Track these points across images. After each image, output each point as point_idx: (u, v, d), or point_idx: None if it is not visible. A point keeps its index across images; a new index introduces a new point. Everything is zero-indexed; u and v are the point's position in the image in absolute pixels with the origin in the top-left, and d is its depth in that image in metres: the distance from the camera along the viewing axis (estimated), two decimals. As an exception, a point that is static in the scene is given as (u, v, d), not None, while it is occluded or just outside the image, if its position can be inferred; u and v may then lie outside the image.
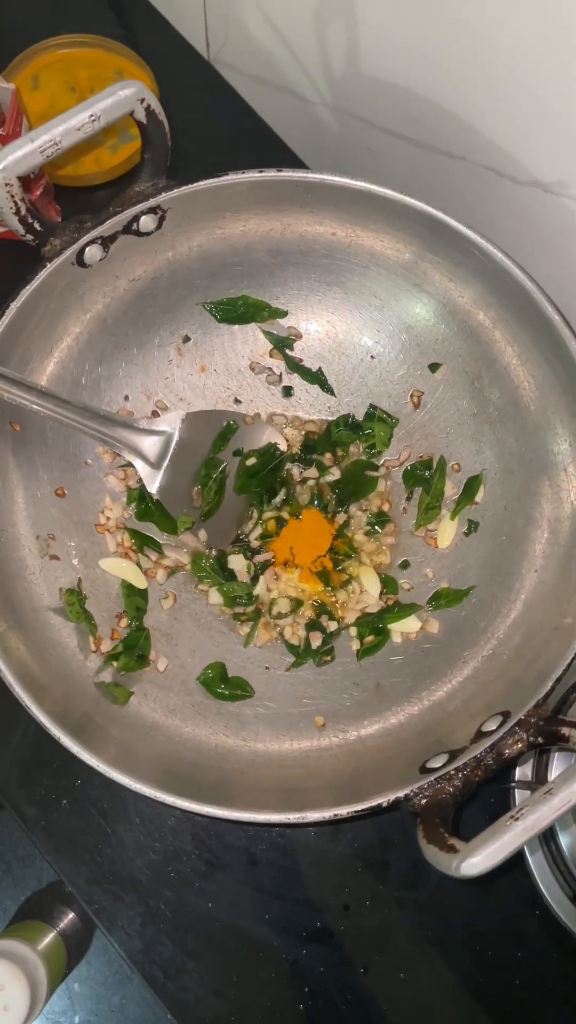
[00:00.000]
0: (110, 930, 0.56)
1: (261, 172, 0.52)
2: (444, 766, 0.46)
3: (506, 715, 0.47)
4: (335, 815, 0.45)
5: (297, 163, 0.74)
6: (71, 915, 0.67)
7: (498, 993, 0.57)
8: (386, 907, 0.58)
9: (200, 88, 0.76)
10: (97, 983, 0.64)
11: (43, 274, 0.50)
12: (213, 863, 0.57)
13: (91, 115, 0.47)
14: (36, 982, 0.57)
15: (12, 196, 0.47)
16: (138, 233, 0.53)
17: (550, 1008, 0.57)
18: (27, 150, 0.46)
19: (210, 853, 0.57)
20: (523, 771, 0.58)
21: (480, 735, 0.47)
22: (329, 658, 0.56)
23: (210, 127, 0.74)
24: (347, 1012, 0.56)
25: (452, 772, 0.45)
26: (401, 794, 0.45)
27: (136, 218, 0.52)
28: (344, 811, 0.45)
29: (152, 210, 0.52)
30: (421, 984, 0.57)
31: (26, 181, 0.51)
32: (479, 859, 0.39)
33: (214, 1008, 0.56)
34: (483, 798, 0.59)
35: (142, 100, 0.48)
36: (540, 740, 0.46)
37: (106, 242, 0.52)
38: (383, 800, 0.45)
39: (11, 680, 0.46)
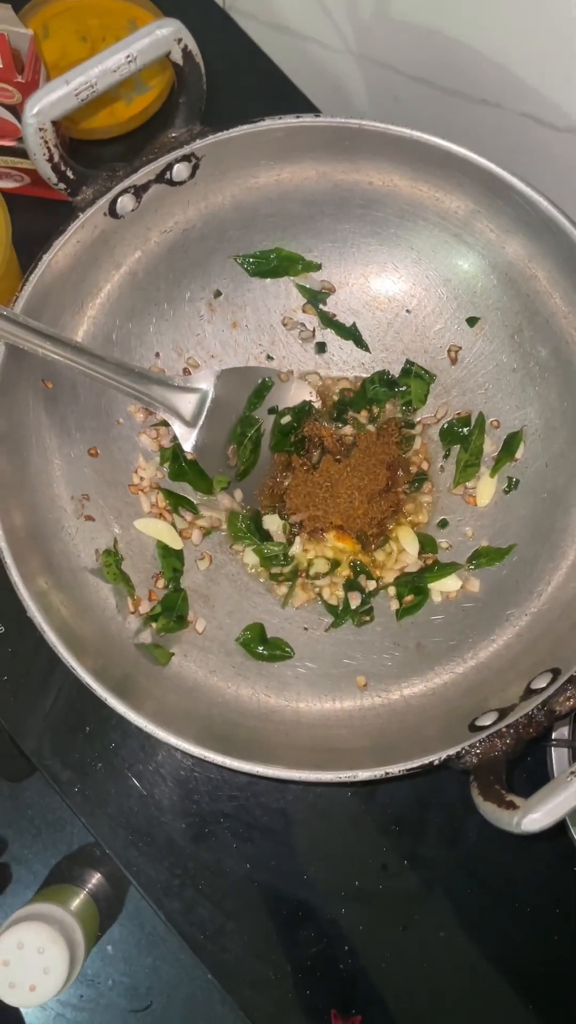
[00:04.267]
0: (148, 892, 0.56)
1: (298, 117, 0.50)
2: (494, 724, 0.45)
3: (556, 672, 0.46)
4: (387, 773, 0.44)
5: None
6: (98, 877, 0.67)
7: (537, 949, 0.57)
8: (424, 867, 0.57)
9: (216, 38, 0.74)
10: (130, 945, 0.64)
11: (75, 225, 0.49)
12: (251, 824, 0.57)
13: (128, 56, 0.45)
14: (74, 944, 0.57)
15: (46, 142, 0.46)
16: (171, 182, 0.51)
17: (588, 963, 0.57)
18: (62, 93, 0.45)
19: (248, 815, 0.57)
20: (560, 732, 0.58)
21: (530, 692, 0.47)
22: (368, 618, 0.55)
23: (226, 79, 0.71)
24: (387, 970, 0.56)
25: (504, 730, 0.45)
26: (452, 751, 0.44)
27: (170, 166, 0.50)
28: (396, 769, 0.44)
29: (186, 157, 0.50)
30: (461, 942, 0.57)
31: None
32: (541, 815, 0.39)
33: (254, 967, 0.56)
34: (520, 756, 0.59)
35: (179, 40, 0.47)
36: (593, 696, 0.45)
37: (139, 191, 0.50)
38: (435, 758, 0.44)
39: (53, 639, 0.45)
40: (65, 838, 0.67)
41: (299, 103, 0.71)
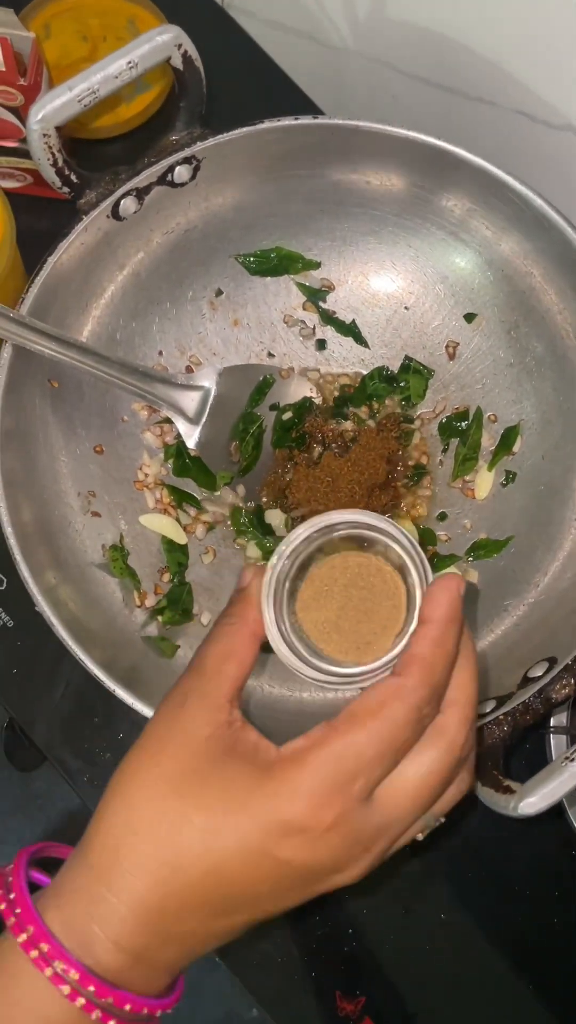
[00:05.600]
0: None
1: (296, 119, 0.51)
2: (492, 711, 0.47)
3: (552, 661, 0.48)
4: (387, 760, 0.46)
5: (318, 113, 0.73)
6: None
7: (537, 932, 0.58)
8: (425, 851, 0.59)
9: (214, 37, 0.74)
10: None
11: (79, 227, 0.50)
12: (257, 812, 0.58)
13: (128, 62, 0.46)
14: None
15: (50, 147, 0.47)
16: (172, 184, 0.52)
17: (587, 944, 0.59)
18: (65, 99, 0.46)
19: (253, 802, 0.58)
20: (558, 718, 0.59)
21: (527, 681, 0.48)
22: (369, 609, 0.56)
23: (225, 77, 0.72)
24: (389, 952, 0.58)
25: (501, 717, 0.46)
26: (452, 739, 0.46)
27: (171, 168, 0.51)
28: (396, 756, 0.45)
29: (187, 160, 0.51)
30: (461, 924, 0.58)
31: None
32: (536, 798, 0.41)
33: (260, 950, 0.57)
34: (518, 743, 0.60)
35: (179, 46, 0.48)
36: (588, 684, 0.47)
37: (141, 194, 0.51)
38: (435, 745, 0.45)
39: (63, 633, 0.47)
40: (76, 826, 0.69)
41: (298, 101, 0.72)
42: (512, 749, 0.48)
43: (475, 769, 0.45)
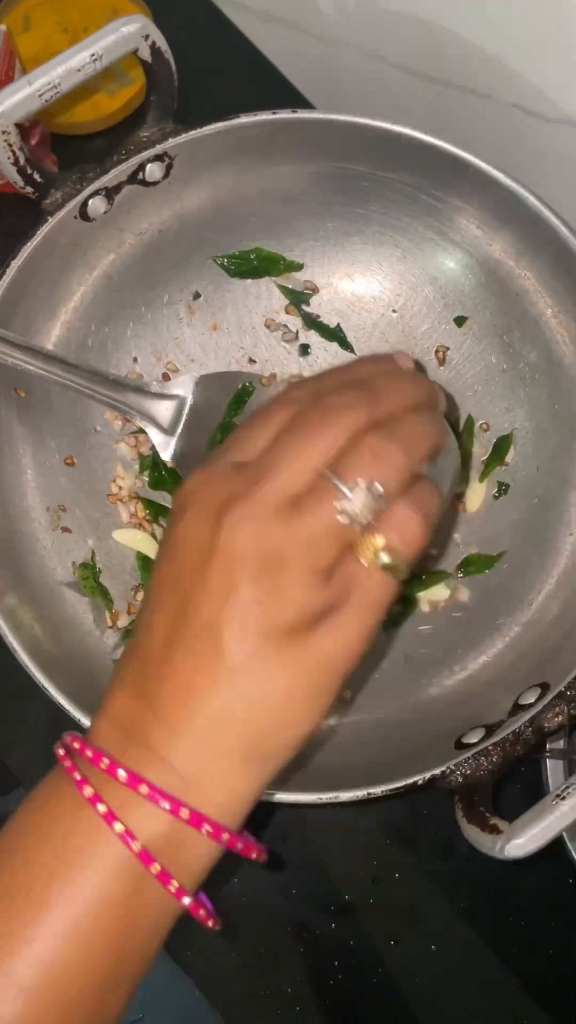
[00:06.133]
0: (134, 908, 0.55)
1: (275, 113, 0.49)
2: (481, 741, 0.44)
3: (545, 687, 0.45)
4: (368, 794, 0.43)
5: (308, 107, 0.70)
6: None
7: (532, 962, 0.56)
8: (417, 880, 0.56)
9: (201, 29, 0.72)
10: (121, 958, 0.64)
11: (44, 229, 0.47)
12: (238, 839, 0.56)
13: (92, 54, 0.44)
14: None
15: (10, 145, 0.44)
16: (144, 183, 0.50)
17: (585, 977, 0.56)
18: (24, 94, 0.43)
19: (235, 829, 0.56)
20: (555, 741, 0.56)
21: (518, 708, 0.45)
22: (355, 629, 0.54)
23: (212, 71, 0.70)
24: (378, 985, 0.55)
25: (490, 748, 0.43)
26: (438, 771, 0.43)
27: (142, 166, 0.49)
28: (378, 790, 0.43)
29: (159, 157, 0.49)
30: (453, 956, 0.56)
31: (23, 129, 0.48)
32: (524, 840, 0.38)
33: (244, 984, 0.55)
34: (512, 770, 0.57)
35: (146, 37, 0.45)
36: (582, 713, 0.44)
37: (110, 193, 0.49)
38: (419, 778, 0.43)
39: (24, 658, 0.45)
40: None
41: (288, 93, 0.70)
42: (503, 780, 0.46)
43: (461, 804, 0.42)
